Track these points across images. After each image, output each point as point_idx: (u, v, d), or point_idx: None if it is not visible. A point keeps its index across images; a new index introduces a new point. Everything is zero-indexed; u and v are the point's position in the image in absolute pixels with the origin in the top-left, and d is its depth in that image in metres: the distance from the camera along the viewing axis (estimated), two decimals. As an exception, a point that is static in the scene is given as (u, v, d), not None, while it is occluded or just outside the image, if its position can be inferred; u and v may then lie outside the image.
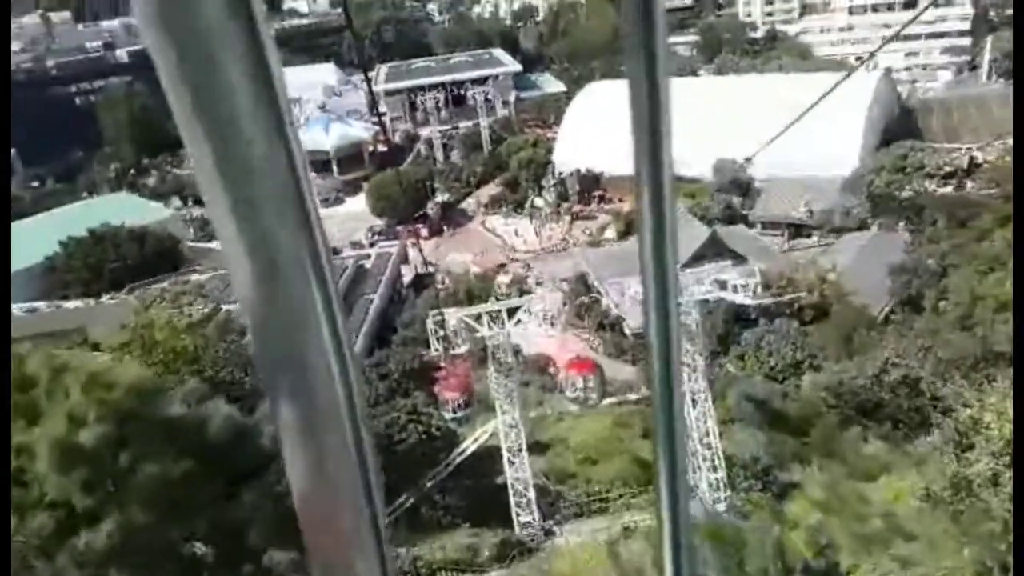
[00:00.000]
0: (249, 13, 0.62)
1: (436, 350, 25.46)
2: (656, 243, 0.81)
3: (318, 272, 0.72)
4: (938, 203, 48.38)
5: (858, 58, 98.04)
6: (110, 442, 15.90)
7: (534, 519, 25.96)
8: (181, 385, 20.17)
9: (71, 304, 48.59)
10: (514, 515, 25.87)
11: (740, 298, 25.32)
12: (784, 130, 16.63)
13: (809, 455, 25.94)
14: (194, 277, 54.80)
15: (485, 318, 24.99)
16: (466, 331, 25.56)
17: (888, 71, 73.15)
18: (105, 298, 49.59)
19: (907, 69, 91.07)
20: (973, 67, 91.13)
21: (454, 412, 25.88)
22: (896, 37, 73.97)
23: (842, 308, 36.01)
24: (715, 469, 24.69)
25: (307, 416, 0.77)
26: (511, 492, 25.77)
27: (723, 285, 25.31)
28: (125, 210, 65.28)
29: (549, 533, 26.17)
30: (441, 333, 25.58)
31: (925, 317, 31.45)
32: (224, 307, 48.42)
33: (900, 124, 66.66)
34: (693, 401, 24.39)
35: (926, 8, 79.06)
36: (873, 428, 26.26)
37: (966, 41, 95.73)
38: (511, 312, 25.74)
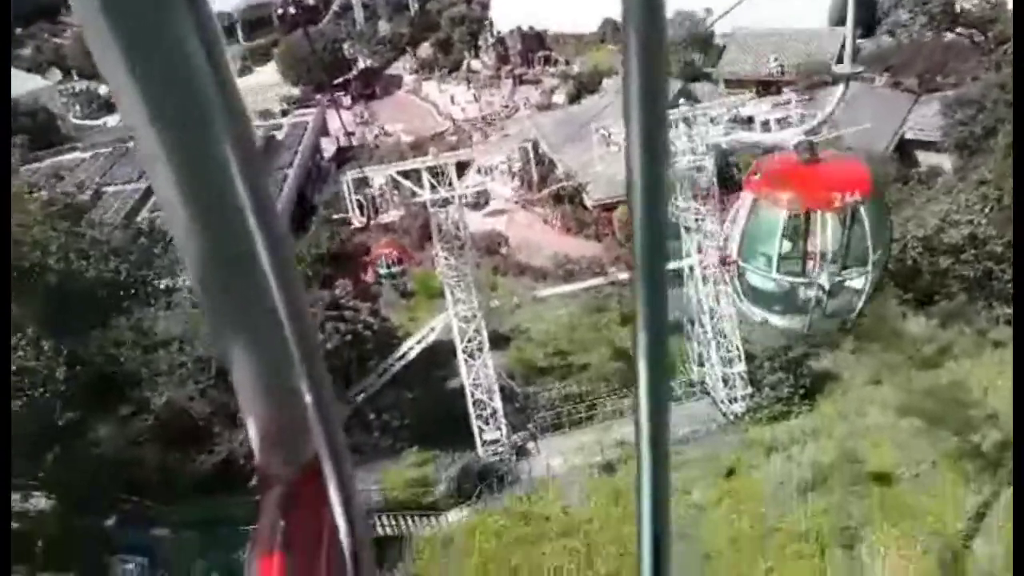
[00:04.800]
0: None
1: (360, 221, 18.77)
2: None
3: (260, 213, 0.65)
4: None
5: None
6: None
7: (501, 435, 20.20)
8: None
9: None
10: (476, 431, 20.08)
11: (775, 136, 19.16)
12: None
13: (839, 338, 20.77)
14: (72, 156, 47.33)
15: (426, 177, 18.43)
16: (398, 196, 19.06)
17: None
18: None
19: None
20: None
21: (388, 268, 20.16)
22: None
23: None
24: (730, 362, 19.25)
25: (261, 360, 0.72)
26: (470, 402, 19.97)
27: (748, 123, 19.02)
28: (-13, 81, 55.21)
29: (522, 452, 20.61)
30: (368, 197, 18.97)
31: (995, 161, 25.48)
32: (105, 191, 40.72)
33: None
34: (704, 277, 18.71)
35: None
36: (913, 303, 21.07)
37: None
38: (460, 169, 19.27)
